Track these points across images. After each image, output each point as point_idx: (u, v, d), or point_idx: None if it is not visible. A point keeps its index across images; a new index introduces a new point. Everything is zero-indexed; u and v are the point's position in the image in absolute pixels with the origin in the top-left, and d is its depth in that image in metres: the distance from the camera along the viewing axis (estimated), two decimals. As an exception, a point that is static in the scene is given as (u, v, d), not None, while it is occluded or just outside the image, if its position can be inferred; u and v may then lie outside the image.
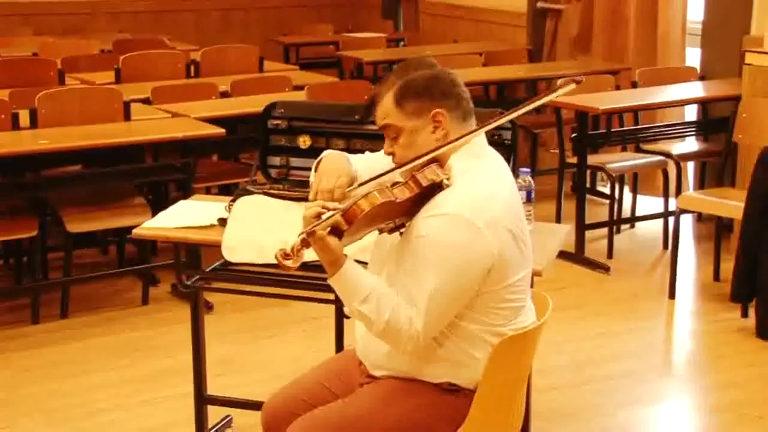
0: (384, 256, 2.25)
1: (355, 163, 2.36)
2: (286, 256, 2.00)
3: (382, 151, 2.26)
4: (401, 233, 2.17)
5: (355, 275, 2.10)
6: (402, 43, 7.77)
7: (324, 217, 2.04)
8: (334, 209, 2.06)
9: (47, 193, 4.40)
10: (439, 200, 2.10)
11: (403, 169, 2.13)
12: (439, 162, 2.16)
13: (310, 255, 2.06)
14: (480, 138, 2.21)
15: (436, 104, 2.13)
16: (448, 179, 2.11)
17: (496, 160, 2.23)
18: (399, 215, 2.13)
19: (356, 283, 2.10)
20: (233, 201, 2.92)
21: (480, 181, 2.14)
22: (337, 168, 2.25)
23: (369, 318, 2.10)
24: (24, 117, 4.40)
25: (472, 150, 2.18)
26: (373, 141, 3.07)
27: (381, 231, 2.17)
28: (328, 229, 2.03)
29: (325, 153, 2.37)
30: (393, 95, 2.14)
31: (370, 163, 2.37)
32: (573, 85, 2.13)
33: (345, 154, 2.35)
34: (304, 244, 2.01)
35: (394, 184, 2.09)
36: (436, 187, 2.11)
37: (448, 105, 2.14)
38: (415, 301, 2.09)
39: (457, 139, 2.14)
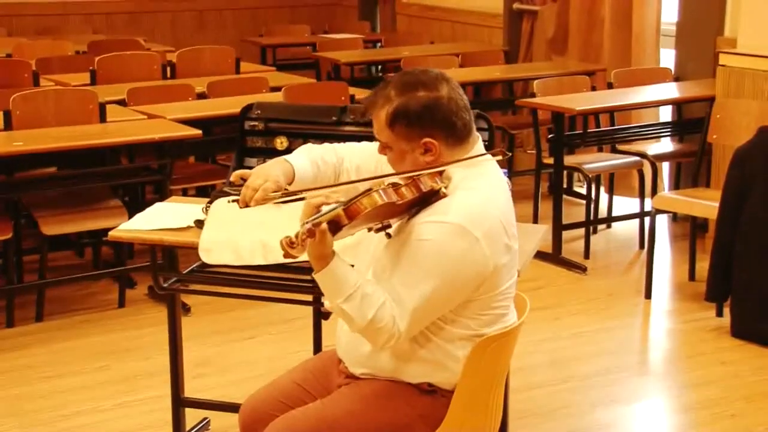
0: (370, 255, 2.25)
1: (343, 155, 2.38)
2: (291, 244, 2.00)
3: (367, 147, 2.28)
4: (387, 234, 2.18)
5: (342, 273, 2.09)
6: (379, 44, 7.77)
7: (325, 209, 2.04)
8: (336, 202, 2.06)
9: (21, 196, 4.36)
10: (441, 207, 2.11)
11: (387, 180, 2.12)
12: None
13: None
14: (479, 147, 2.21)
15: (427, 133, 2.12)
16: (446, 188, 2.13)
17: (494, 168, 2.24)
18: (393, 216, 2.14)
19: (342, 280, 2.09)
20: (210, 203, 2.91)
21: (480, 190, 2.14)
22: (268, 174, 2.24)
23: (351, 316, 2.10)
24: (-3, 119, 4.37)
25: (468, 162, 2.18)
26: (350, 142, 3.07)
27: (369, 229, 2.18)
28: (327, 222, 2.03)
29: (277, 158, 2.35)
30: (386, 116, 2.13)
31: (356, 158, 2.38)
32: (500, 157, 2.23)
33: (296, 162, 2.31)
34: (310, 233, 2.00)
35: (394, 184, 2.09)
36: (433, 195, 2.12)
37: (441, 134, 2.13)
38: (402, 301, 2.09)
39: (450, 162, 2.15)
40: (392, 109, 2.12)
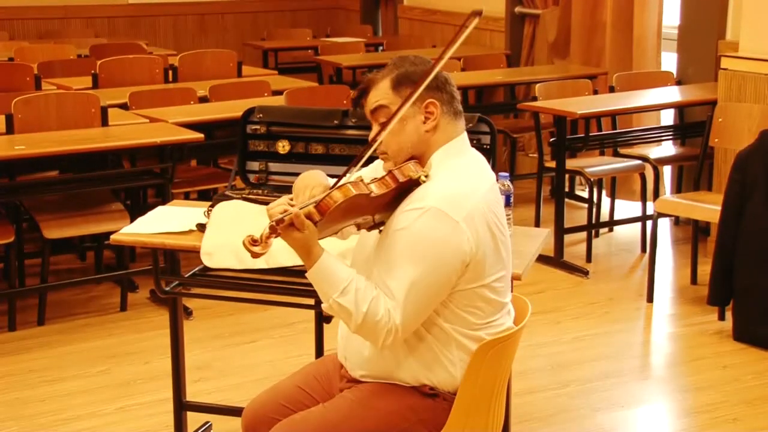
0: (368, 257, 2.25)
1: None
2: (253, 242, 2.02)
3: (374, 165, 2.29)
4: (381, 231, 2.18)
5: (332, 267, 2.10)
6: (381, 48, 7.78)
7: (293, 210, 2.04)
8: (299, 205, 2.07)
9: (24, 199, 4.37)
10: (419, 194, 2.12)
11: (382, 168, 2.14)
12: (419, 159, 2.18)
13: (295, 259, 2.05)
14: (461, 138, 2.23)
15: (430, 94, 2.17)
16: (426, 176, 2.14)
17: (476, 159, 2.26)
18: (376, 211, 2.14)
19: (334, 275, 2.09)
20: (212, 206, 2.92)
21: (459, 177, 2.16)
22: (308, 184, 2.22)
23: (348, 310, 2.09)
24: None
25: (451, 149, 2.20)
26: (352, 146, 3.08)
27: (359, 227, 2.18)
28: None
29: (303, 174, 2.34)
30: (390, 79, 2.19)
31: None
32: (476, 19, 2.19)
33: (322, 172, 2.32)
34: (272, 231, 2.02)
35: (373, 179, 2.11)
36: (414, 184, 2.13)
37: (442, 98, 2.19)
38: (393, 294, 2.09)
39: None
40: (396, 73, 2.19)
